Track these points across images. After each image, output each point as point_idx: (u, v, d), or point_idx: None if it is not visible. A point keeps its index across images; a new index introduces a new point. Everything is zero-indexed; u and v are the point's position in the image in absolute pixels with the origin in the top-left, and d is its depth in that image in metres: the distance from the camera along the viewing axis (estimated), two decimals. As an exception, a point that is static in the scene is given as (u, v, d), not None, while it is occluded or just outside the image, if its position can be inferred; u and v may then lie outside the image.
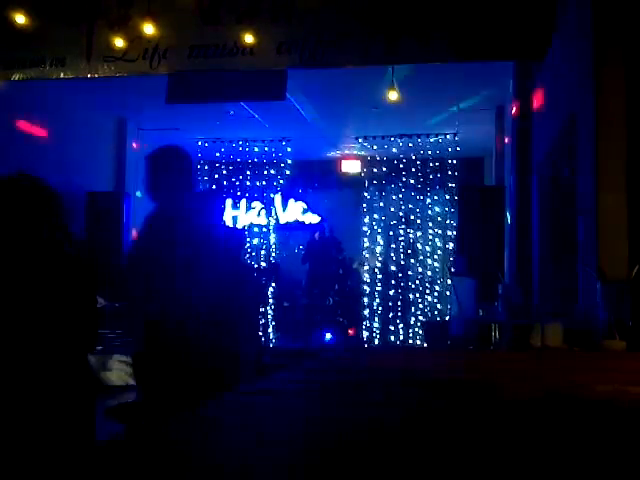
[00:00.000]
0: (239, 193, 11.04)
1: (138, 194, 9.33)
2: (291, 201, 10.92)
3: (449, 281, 9.98)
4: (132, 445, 1.12)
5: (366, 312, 10.55)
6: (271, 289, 10.88)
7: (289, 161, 10.84)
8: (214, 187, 10.92)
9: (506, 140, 7.90)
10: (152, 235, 3.27)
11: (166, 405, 2.95)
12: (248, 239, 10.78)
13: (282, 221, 10.94)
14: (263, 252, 10.96)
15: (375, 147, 10.29)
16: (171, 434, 1.19)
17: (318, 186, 11.06)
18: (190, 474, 0.95)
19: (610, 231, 3.58)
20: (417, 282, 10.39)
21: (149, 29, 5.55)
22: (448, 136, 9.99)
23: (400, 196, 10.52)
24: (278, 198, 10.95)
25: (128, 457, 1.04)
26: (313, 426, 1.27)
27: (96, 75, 5.80)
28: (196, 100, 6.89)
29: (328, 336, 10.16)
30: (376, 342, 10.36)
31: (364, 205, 10.61)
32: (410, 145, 10.23)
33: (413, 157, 10.39)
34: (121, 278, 3.54)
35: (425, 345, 9.62)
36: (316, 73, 6.42)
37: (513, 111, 6.74)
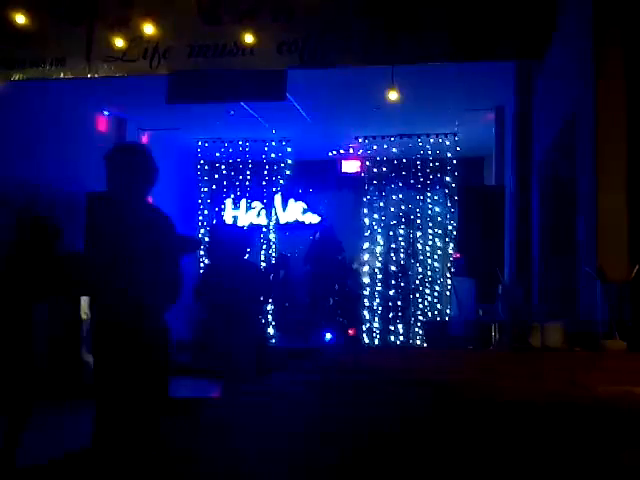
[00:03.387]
0: (239, 193, 11.04)
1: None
2: (291, 201, 10.93)
3: (449, 281, 9.99)
4: (123, 448, 1.12)
5: (366, 312, 10.54)
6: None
7: (289, 161, 10.84)
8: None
9: (506, 140, 7.90)
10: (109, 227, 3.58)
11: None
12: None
13: (282, 221, 10.94)
14: (263, 252, 10.96)
15: (375, 147, 10.29)
16: (170, 435, 1.19)
17: (318, 186, 11.07)
18: (192, 476, 0.95)
19: (610, 231, 3.58)
20: (417, 282, 10.39)
21: (149, 29, 5.55)
22: (448, 136, 10.00)
23: (400, 196, 10.52)
24: (278, 198, 10.95)
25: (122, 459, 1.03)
26: (313, 426, 1.27)
27: (96, 75, 5.80)
28: (196, 100, 6.89)
29: (328, 336, 10.16)
30: (376, 342, 10.36)
31: (364, 205, 10.61)
32: (410, 145, 10.23)
33: (413, 157, 10.39)
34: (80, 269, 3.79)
35: (425, 345, 9.61)
36: (316, 73, 6.42)
37: (513, 111, 6.74)
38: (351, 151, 10.68)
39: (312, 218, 10.89)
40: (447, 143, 10.08)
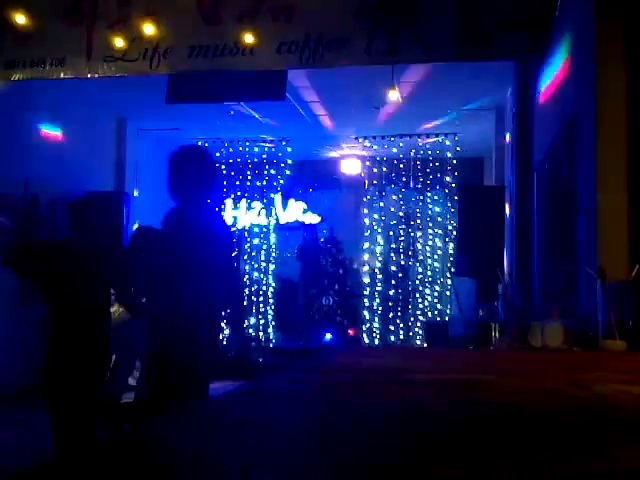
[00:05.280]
0: (239, 193, 11.04)
1: (135, 193, 9.34)
2: (291, 201, 10.92)
3: (449, 281, 9.99)
4: (131, 444, 1.12)
5: (366, 312, 10.54)
6: (272, 289, 10.90)
7: (289, 161, 10.83)
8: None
9: (506, 140, 7.90)
10: (167, 235, 3.44)
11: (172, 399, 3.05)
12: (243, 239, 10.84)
13: (282, 221, 10.93)
14: (263, 252, 10.96)
15: (375, 147, 10.29)
16: (169, 435, 1.19)
17: (318, 186, 11.06)
18: (190, 475, 0.95)
19: (610, 231, 3.58)
20: (417, 282, 10.39)
21: (149, 29, 5.55)
22: (448, 136, 9.99)
23: (400, 196, 10.52)
24: (278, 198, 10.94)
25: (127, 456, 1.04)
26: (313, 426, 1.27)
27: (96, 75, 5.80)
28: (196, 100, 6.90)
29: (328, 336, 10.16)
30: (376, 342, 10.36)
31: (364, 205, 10.61)
32: (410, 145, 10.23)
33: (413, 157, 10.39)
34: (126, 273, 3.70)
35: (425, 345, 9.61)
36: (316, 73, 6.42)
37: (513, 111, 6.74)
38: (347, 152, 10.66)
39: (312, 218, 10.88)
40: (447, 143, 10.07)
